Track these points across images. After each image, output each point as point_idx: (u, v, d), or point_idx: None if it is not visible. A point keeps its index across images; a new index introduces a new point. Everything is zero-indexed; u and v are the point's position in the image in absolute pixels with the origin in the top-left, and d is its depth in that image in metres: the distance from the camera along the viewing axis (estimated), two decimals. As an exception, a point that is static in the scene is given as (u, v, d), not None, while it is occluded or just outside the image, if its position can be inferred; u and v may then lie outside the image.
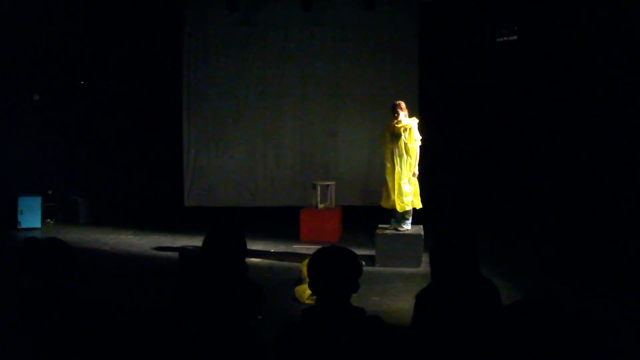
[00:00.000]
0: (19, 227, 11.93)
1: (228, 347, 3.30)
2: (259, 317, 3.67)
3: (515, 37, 11.81)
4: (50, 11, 12.37)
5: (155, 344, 3.66)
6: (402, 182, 9.06)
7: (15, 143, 12.46)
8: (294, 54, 13.14)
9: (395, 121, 9.11)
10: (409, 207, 9.16)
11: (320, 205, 11.11)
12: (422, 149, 9.16)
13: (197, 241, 9.52)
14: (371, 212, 10.16)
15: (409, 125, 9.05)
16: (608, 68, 10.61)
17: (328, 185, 11.36)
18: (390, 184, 9.19)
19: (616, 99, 10.52)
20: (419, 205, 9.28)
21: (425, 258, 8.65)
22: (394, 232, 9.25)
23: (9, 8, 11.96)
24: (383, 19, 12.80)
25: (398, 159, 9.06)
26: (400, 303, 6.92)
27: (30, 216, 12.09)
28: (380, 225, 9.48)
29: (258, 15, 13.07)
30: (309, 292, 6.72)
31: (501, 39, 11.91)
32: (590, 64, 10.94)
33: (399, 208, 9.15)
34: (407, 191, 9.10)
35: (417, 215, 9.51)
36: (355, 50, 12.96)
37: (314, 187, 11.23)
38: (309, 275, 2.91)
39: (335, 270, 2.85)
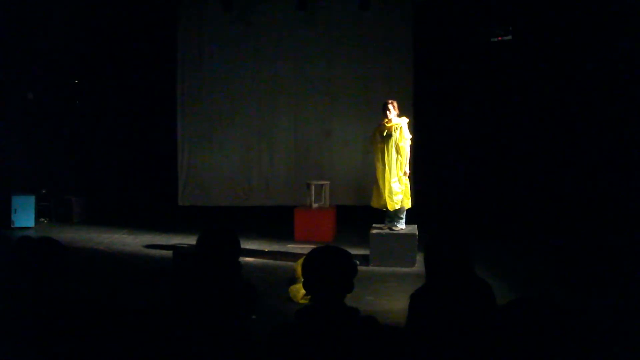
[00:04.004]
0: (12, 226, 11.88)
1: (222, 347, 3.29)
2: (253, 316, 3.66)
3: (509, 37, 11.83)
4: (44, 10, 12.33)
5: (149, 343, 3.65)
6: (392, 181, 9.07)
7: (9, 142, 12.41)
8: (288, 53, 13.12)
9: (386, 120, 9.13)
10: (398, 206, 9.17)
11: (315, 205, 11.11)
12: (416, 148, 9.17)
13: (191, 240, 9.55)
14: (365, 211, 10.16)
15: (399, 124, 9.06)
16: (603, 67, 10.64)
17: (322, 185, 11.35)
18: (380, 184, 9.20)
19: (611, 98, 10.54)
20: (408, 205, 9.29)
21: (419, 258, 8.66)
22: (388, 231, 9.25)
23: (2, 8, 11.92)
24: (378, 18, 12.81)
25: (388, 158, 9.07)
26: (394, 303, 6.92)
27: (24, 215, 12.04)
28: (374, 225, 9.48)
29: (253, 14, 13.05)
30: (303, 291, 6.71)
31: (495, 39, 11.93)
32: (585, 63, 10.97)
33: (389, 207, 9.15)
34: (397, 190, 9.11)
35: (411, 215, 9.51)
36: (350, 50, 12.95)
37: (308, 186, 11.22)
38: (303, 275, 2.91)
39: (330, 270, 2.84)
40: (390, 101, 9.21)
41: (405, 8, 12.77)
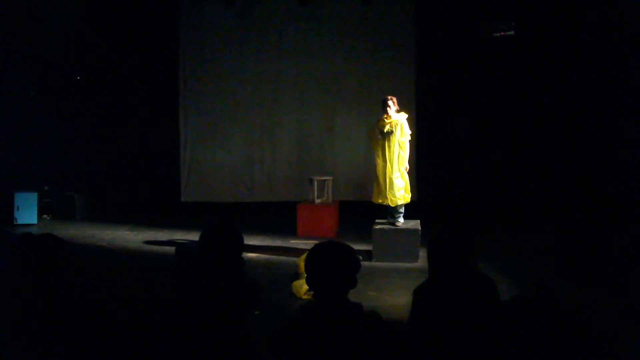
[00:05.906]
0: (15, 223, 11.89)
1: (225, 343, 3.29)
2: (256, 312, 3.66)
3: (512, 32, 11.80)
4: (47, 7, 12.32)
5: (151, 339, 3.65)
6: (394, 176, 9.09)
7: (11, 139, 12.42)
8: (290, 49, 13.11)
9: (385, 116, 9.12)
10: (401, 202, 9.19)
11: (317, 200, 11.11)
12: (419, 143, 9.16)
13: (193, 236, 9.58)
14: (368, 207, 10.15)
15: (399, 121, 9.06)
16: (605, 63, 10.61)
17: (325, 180, 11.35)
18: (381, 180, 9.22)
19: (613, 94, 10.52)
20: (408, 199, 9.30)
21: (422, 253, 8.66)
22: (391, 227, 9.25)
23: (4, 5, 11.92)
24: (380, 13, 12.78)
25: (390, 154, 9.08)
26: (397, 298, 6.92)
27: (27, 212, 12.04)
28: (377, 220, 9.48)
29: (255, 10, 13.03)
30: (306, 287, 6.72)
31: (498, 34, 11.90)
32: (588, 59, 10.94)
33: (391, 203, 9.17)
34: (398, 185, 9.13)
35: (414, 210, 9.51)
36: (352, 45, 12.93)
37: (311, 182, 11.22)
38: (306, 270, 2.91)
39: (333, 266, 2.84)
40: (389, 97, 9.20)
41: (407, 3, 12.74)
